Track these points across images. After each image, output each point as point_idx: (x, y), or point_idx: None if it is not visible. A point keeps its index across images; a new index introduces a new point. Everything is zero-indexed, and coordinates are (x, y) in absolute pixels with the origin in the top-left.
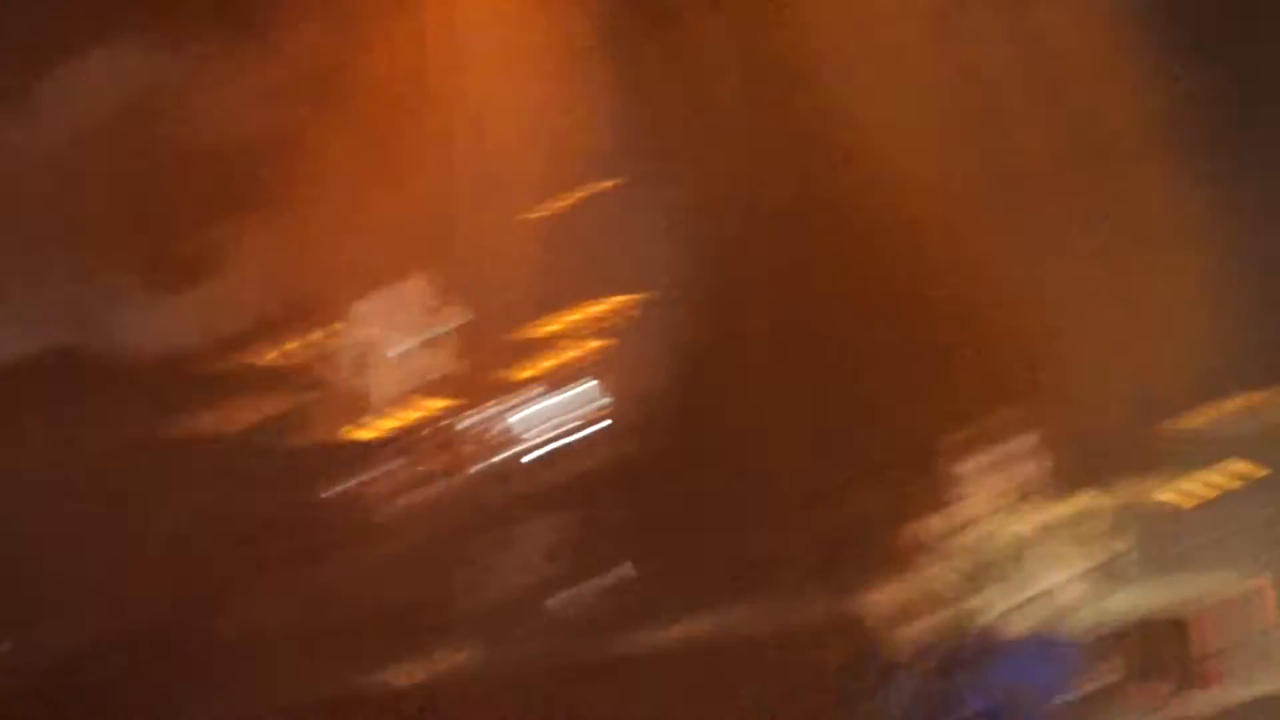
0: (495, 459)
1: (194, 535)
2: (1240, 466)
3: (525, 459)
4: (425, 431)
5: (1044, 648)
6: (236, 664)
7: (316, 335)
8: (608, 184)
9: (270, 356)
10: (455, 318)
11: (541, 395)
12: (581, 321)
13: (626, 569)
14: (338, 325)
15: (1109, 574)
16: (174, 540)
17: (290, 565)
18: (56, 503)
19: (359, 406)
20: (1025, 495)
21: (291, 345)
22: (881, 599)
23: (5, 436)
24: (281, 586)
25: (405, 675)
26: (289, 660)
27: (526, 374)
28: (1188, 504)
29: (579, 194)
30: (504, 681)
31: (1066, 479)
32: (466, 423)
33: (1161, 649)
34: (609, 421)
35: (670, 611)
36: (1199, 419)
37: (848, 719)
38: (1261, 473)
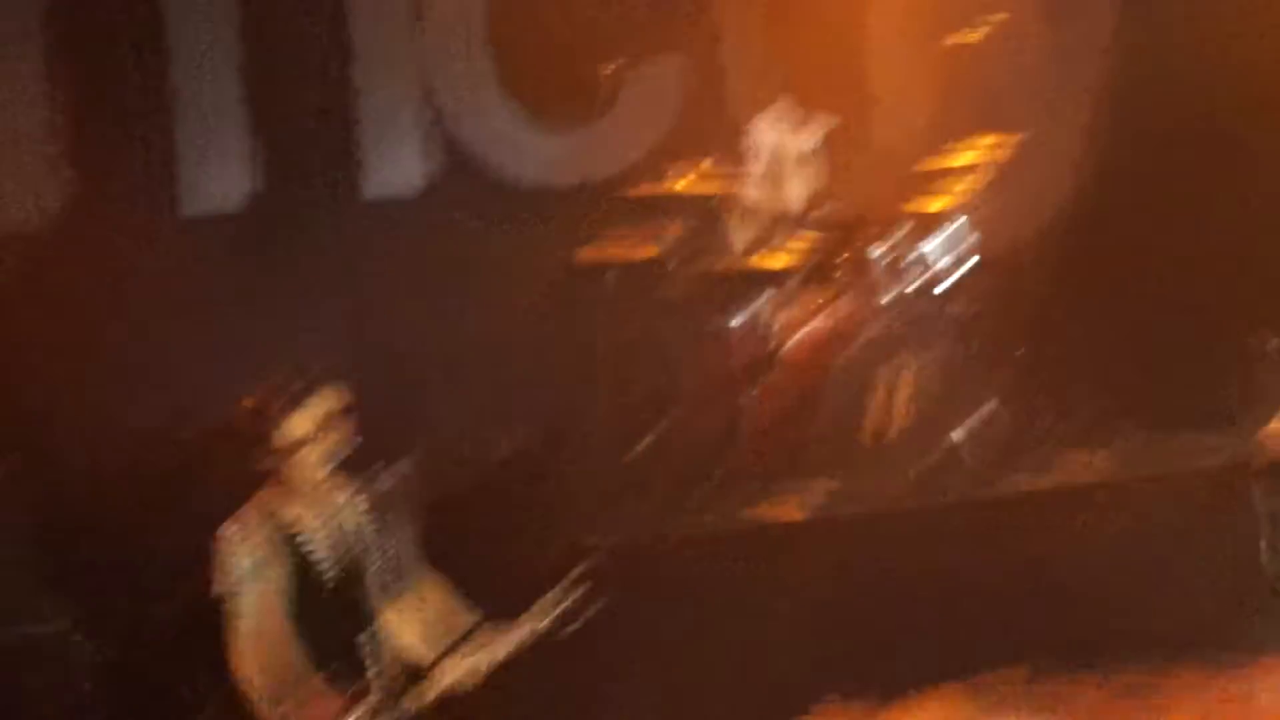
0: (890, 291)
1: (595, 360)
2: None
3: (917, 291)
4: (821, 261)
5: None
6: (633, 487)
7: (717, 165)
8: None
9: (674, 184)
10: (856, 148)
11: (936, 229)
12: (976, 156)
13: (1002, 405)
14: (737, 153)
15: None
16: (579, 364)
17: (698, 393)
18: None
19: (759, 236)
20: None
21: (692, 175)
22: None
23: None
24: (687, 414)
25: (788, 510)
26: (681, 487)
27: (924, 206)
28: None
29: (986, 27)
30: (885, 516)
31: None
32: (866, 253)
33: None
34: (990, 258)
35: (1051, 450)
36: None
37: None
38: None
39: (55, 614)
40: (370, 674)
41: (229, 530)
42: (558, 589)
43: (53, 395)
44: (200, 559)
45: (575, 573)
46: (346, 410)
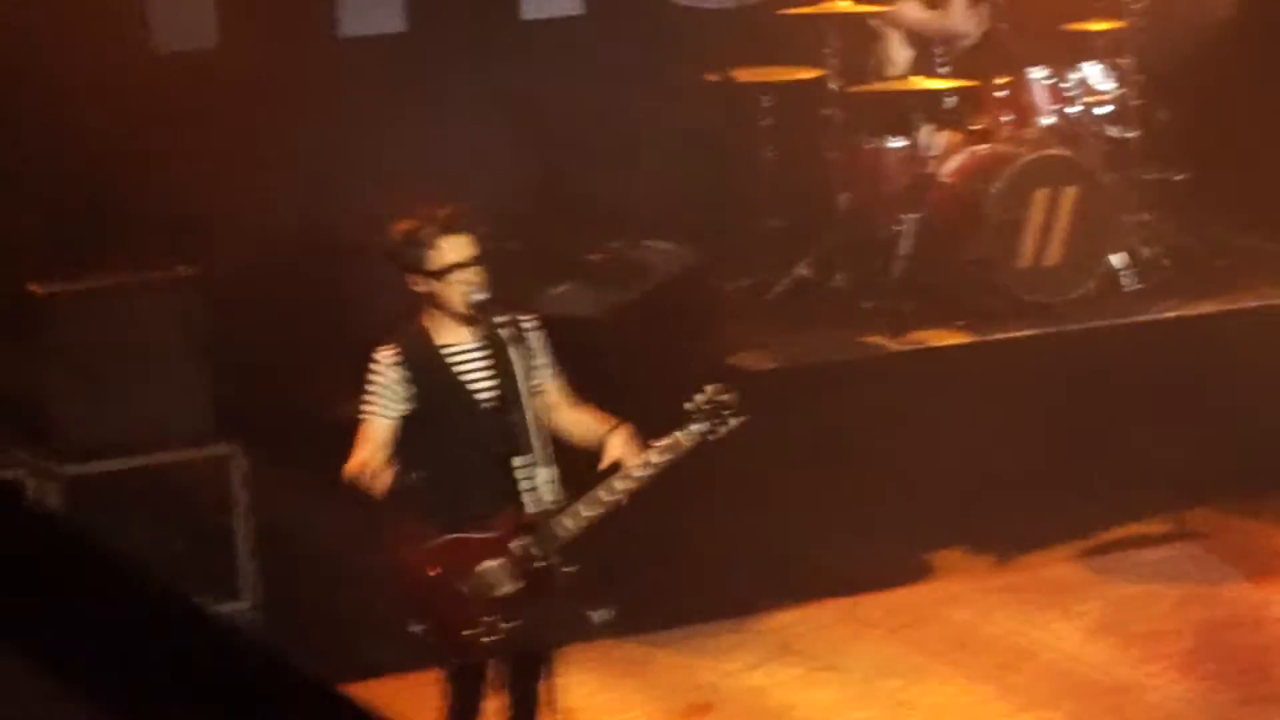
0: (1050, 113)
1: (754, 181)
2: None
3: (1079, 113)
4: (982, 82)
5: None
6: (790, 309)
7: None
8: None
9: (835, 3)
10: None
11: (1099, 49)
12: None
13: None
14: None
15: None
16: (737, 185)
17: (856, 214)
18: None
19: (921, 56)
20: None
21: (839, 2)
22: None
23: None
24: (845, 235)
25: (944, 335)
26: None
27: (1088, 26)
28: None
29: None
30: (1041, 340)
31: None
32: (1027, 74)
33: None
34: (1152, 80)
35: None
36: None
37: None
38: None
39: (218, 435)
40: (525, 499)
41: (383, 351)
42: (705, 410)
43: (215, 209)
44: (354, 378)
45: (719, 395)
46: (498, 237)
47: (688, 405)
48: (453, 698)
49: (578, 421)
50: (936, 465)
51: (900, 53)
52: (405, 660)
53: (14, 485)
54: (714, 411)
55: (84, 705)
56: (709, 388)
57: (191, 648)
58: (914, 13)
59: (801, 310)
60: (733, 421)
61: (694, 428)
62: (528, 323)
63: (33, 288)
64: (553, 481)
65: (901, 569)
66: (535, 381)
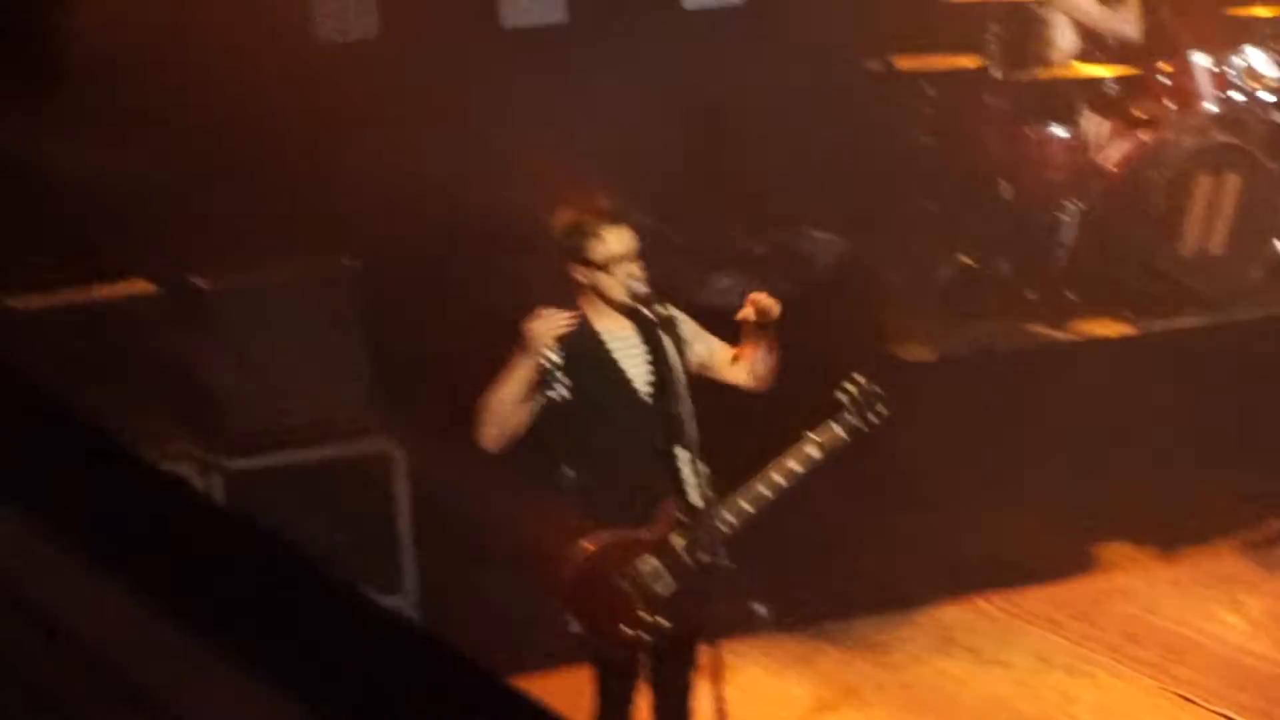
0: (1214, 100)
1: (915, 169)
2: None
3: (1243, 100)
4: (1146, 69)
5: None
6: (951, 298)
7: None
8: None
9: None
10: None
11: (1264, 35)
12: None
13: None
14: None
15: None
16: (898, 172)
17: (1018, 204)
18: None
19: (1084, 42)
20: None
21: None
22: None
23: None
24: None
25: (1105, 325)
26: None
27: (1253, 10)
28: None
29: None
30: (1205, 331)
31: None
32: (1191, 60)
33: None
34: None
35: None
36: None
37: None
38: None
39: (379, 428)
40: (683, 493)
41: (544, 312)
42: (856, 402)
43: (377, 202)
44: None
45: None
46: (659, 228)
47: (839, 396)
48: (605, 693)
49: (741, 368)
50: (1101, 456)
51: (1065, 39)
52: (559, 655)
53: (180, 478)
54: (865, 403)
55: (258, 697)
56: (858, 378)
57: (361, 640)
58: (1087, 5)
59: (963, 300)
60: (883, 412)
61: (847, 418)
62: (676, 312)
63: (196, 281)
64: (708, 475)
65: (1066, 561)
66: (694, 359)
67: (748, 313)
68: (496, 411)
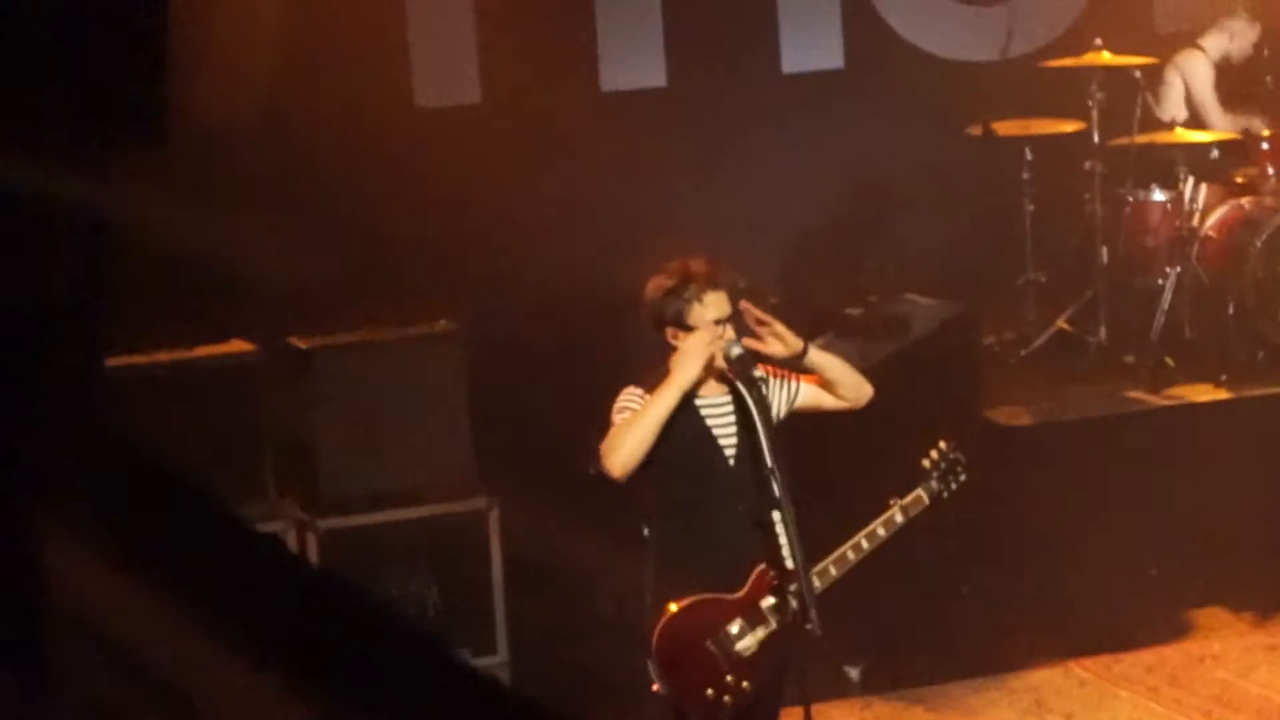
0: None
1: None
2: None
3: None
4: (1248, 135)
5: None
6: (1047, 363)
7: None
8: None
9: (1097, 56)
10: None
11: None
12: None
13: None
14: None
15: None
16: (999, 236)
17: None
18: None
19: (1185, 108)
20: None
21: (1102, 54)
22: None
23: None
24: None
25: (1205, 390)
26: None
27: None
28: None
29: None
30: None
31: None
32: None
33: None
34: None
35: None
36: None
37: None
38: None
39: (475, 489)
40: (773, 557)
41: (634, 388)
42: (940, 467)
43: (476, 265)
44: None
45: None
46: (756, 296)
47: (924, 462)
48: None
49: (822, 392)
50: (1197, 522)
51: (1173, 104)
52: (648, 717)
53: (275, 538)
54: (947, 469)
55: None
56: (942, 444)
57: (456, 702)
58: (1209, 94)
59: (1061, 364)
60: (963, 478)
61: (932, 484)
62: (760, 374)
63: (295, 341)
64: (799, 533)
65: (1162, 626)
66: (786, 407)
67: (771, 348)
68: (638, 438)
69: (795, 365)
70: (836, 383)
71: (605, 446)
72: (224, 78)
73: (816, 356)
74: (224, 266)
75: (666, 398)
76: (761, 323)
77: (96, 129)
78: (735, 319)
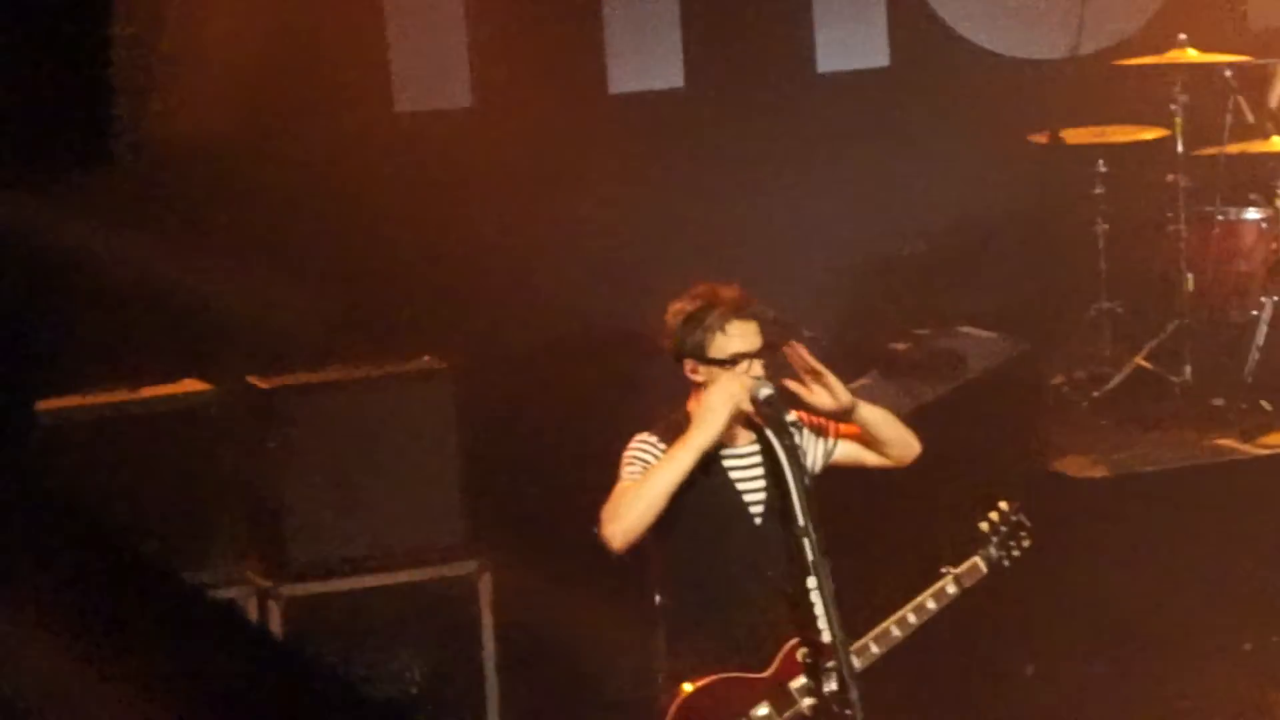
0: None
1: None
2: None
3: None
4: None
5: None
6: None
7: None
8: None
9: (1181, 54)
10: None
11: None
12: None
13: None
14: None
15: None
16: (1070, 258)
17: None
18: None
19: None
20: None
21: (1187, 52)
22: None
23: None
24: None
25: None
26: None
27: None
28: None
29: None
30: None
31: None
32: None
33: None
34: None
35: None
36: None
37: None
38: None
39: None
40: (805, 631)
41: (645, 435)
42: (1000, 532)
43: (469, 294)
44: (609, 488)
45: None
46: (788, 328)
47: (982, 525)
48: None
49: (864, 449)
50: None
51: (1259, 108)
52: None
53: (231, 605)
54: (1009, 533)
55: None
56: (1004, 504)
57: None
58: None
59: (1139, 408)
60: (1026, 544)
61: (991, 551)
62: (792, 417)
63: (256, 380)
64: (834, 609)
65: (1245, 704)
66: (821, 460)
67: (815, 398)
68: (644, 506)
69: (838, 416)
70: (883, 441)
71: (606, 512)
72: (183, 94)
73: (867, 413)
74: (177, 295)
75: (680, 460)
76: (813, 372)
77: (33, 147)
78: (766, 355)
